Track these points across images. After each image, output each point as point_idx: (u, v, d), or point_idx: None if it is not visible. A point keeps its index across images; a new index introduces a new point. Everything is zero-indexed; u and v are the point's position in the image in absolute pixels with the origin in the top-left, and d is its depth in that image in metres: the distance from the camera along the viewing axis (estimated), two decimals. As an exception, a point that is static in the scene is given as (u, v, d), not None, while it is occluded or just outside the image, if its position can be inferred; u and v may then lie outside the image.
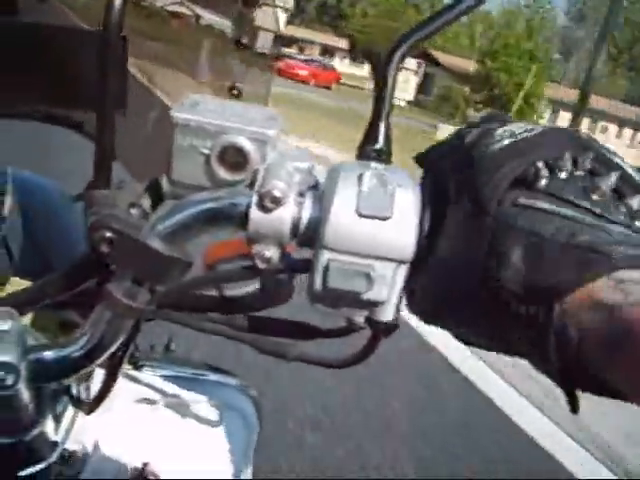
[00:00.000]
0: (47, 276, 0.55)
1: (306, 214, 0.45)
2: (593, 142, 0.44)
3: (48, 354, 0.52)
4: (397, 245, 0.43)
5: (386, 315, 0.46)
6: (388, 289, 0.45)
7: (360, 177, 0.44)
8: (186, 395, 0.80)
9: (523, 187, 0.41)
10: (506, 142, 0.44)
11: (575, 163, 0.42)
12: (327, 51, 53.11)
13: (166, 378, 0.80)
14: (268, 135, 0.49)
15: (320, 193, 0.46)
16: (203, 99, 0.52)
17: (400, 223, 0.43)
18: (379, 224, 0.43)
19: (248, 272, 0.48)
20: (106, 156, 0.50)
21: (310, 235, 0.45)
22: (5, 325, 0.51)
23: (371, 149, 0.50)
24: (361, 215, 0.43)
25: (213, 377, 0.85)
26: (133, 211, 0.52)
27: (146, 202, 0.53)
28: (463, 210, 0.43)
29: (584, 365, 0.38)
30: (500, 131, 0.45)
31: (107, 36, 0.47)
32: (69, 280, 0.53)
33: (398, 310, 0.46)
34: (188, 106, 0.50)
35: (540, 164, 0.42)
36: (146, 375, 0.79)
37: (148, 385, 0.78)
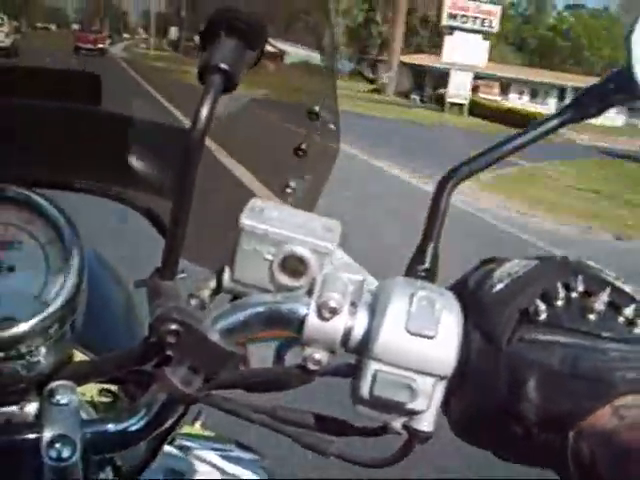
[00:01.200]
0: (107, 354, 0.59)
1: (358, 325, 0.50)
2: (582, 265, 0.51)
3: (104, 428, 0.55)
4: (439, 362, 0.48)
5: (423, 425, 0.50)
6: (427, 401, 0.49)
7: (411, 297, 0.48)
8: (208, 470, 0.83)
9: (527, 323, 0.48)
10: (505, 282, 0.50)
11: (568, 288, 0.49)
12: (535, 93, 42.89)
13: (192, 453, 0.83)
14: (328, 248, 0.53)
15: (372, 306, 0.50)
16: (267, 205, 0.56)
17: (443, 342, 0.48)
18: (424, 342, 0.47)
19: (298, 372, 0.52)
20: (175, 249, 0.54)
21: (360, 345, 0.49)
22: (65, 399, 0.55)
23: (420, 268, 0.55)
24: (409, 332, 0.47)
25: (236, 453, 0.89)
26: (192, 302, 0.56)
27: (204, 293, 0.57)
28: (479, 346, 0.49)
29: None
30: (498, 273, 0.52)
31: (194, 135, 0.49)
32: (128, 360, 0.57)
33: (434, 421, 0.50)
34: (254, 213, 0.55)
35: (538, 301, 0.48)
36: (173, 448, 0.82)
37: (175, 458, 0.81)
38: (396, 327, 0.48)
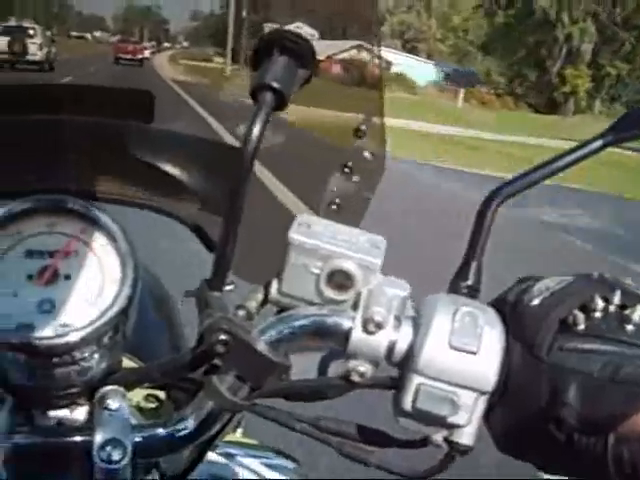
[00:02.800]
0: (156, 361, 0.61)
1: (402, 340, 0.51)
2: (619, 281, 0.52)
3: (153, 433, 0.57)
4: (481, 377, 0.49)
5: (464, 438, 0.51)
6: (469, 415, 0.50)
7: (454, 313, 0.50)
8: (249, 477, 0.85)
9: (567, 332, 0.49)
10: (546, 295, 0.51)
11: (606, 301, 0.50)
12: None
13: (233, 459, 0.85)
14: (374, 263, 0.55)
15: (415, 321, 0.52)
16: (314, 220, 0.58)
17: (485, 358, 0.49)
18: (467, 357, 0.49)
19: (342, 384, 0.53)
20: (225, 261, 0.56)
21: (403, 358, 0.51)
22: (116, 404, 0.57)
23: (463, 285, 0.56)
24: (452, 347, 0.49)
25: (277, 461, 0.90)
26: (240, 313, 0.58)
27: (252, 304, 0.59)
28: (520, 357, 0.50)
29: None
30: (537, 287, 0.53)
31: (246, 153, 0.51)
32: (176, 368, 0.58)
33: (475, 434, 0.51)
34: (302, 228, 0.56)
35: (576, 311, 0.49)
36: (215, 455, 0.84)
37: (217, 464, 0.83)
38: (439, 342, 0.49)
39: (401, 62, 44.28)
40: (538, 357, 0.49)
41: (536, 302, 0.52)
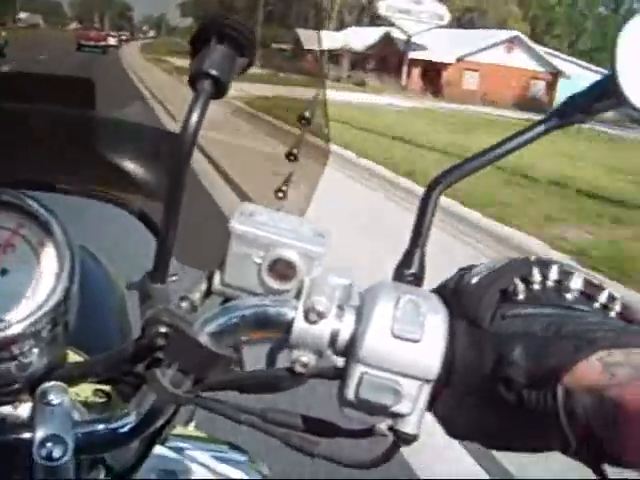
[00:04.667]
0: (99, 355, 0.60)
1: (345, 329, 0.50)
2: (554, 260, 0.52)
3: (95, 428, 0.56)
4: (424, 365, 0.48)
5: (408, 427, 0.50)
6: (413, 404, 0.49)
7: (397, 300, 0.49)
8: (200, 470, 0.84)
9: (508, 302, 0.49)
10: (484, 274, 0.52)
11: (544, 275, 0.50)
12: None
13: (185, 453, 0.84)
14: (316, 252, 0.54)
15: (358, 309, 0.51)
16: (256, 209, 0.57)
17: (428, 346, 0.48)
18: (410, 345, 0.48)
19: (287, 375, 0.53)
20: (166, 253, 0.55)
21: (346, 348, 0.50)
22: (57, 399, 0.56)
23: (407, 273, 0.56)
24: (395, 336, 0.48)
25: (228, 454, 0.90)
26: (183, 304, 0.57)
27: (195, 296, 0.58)
28: (464, 332, 0.50)
29: (598, 441, 0.44)
30: (476, 269, 0.53)
31: (184, 140, 0.50)
32: (119, 362, 0.58)
33: (420, 423, 0.51)
34: (244, 216, 0.56)
35: (517, 280, 0.50)
36: (166, 449, 0.83)
37: (167, 459, 0.82)
38: (381, 331, 0.48)
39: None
40: (481, 327, 0.49)
41: (475, 280, 0.52)
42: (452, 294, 0.52)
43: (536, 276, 0.50)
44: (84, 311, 0.60)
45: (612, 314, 0.49)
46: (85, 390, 0.68)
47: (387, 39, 43.66)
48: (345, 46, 43.61)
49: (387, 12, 40.70)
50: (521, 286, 0.50)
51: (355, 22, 52.90)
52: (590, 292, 0.50)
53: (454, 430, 0.53)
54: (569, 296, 0.50)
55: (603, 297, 0.50)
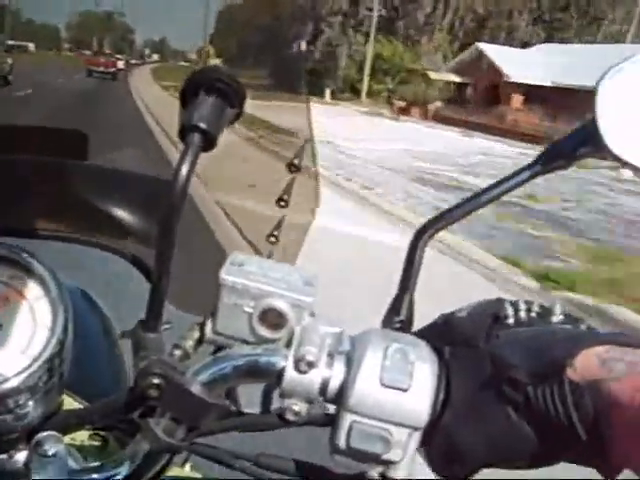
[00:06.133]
0: (94, 404, 0.61)
1: (335, 377, 0.51)
2: (535, 301, 0.55)
3: (90, 477, 0.57)
4: (413, 414, 0.49)
5: (398, 473, 0.51)
6: (403, 451, 0.50)
7: (385, 349, 0.50)
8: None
9: (499, 324, 0.52)
10: (469, 310, 0.54)
11: (528, 310, 0.53)
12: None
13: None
14: (306, 302, 0.55)
15: (348, 358, 0.52)
16: (248, 259, 0.58)
17: (416, 394, 0.49)
18: (399, 394, 0.49)
19: (277, 422, 0.53)
20: (159, 302, 0.55)
21: (337, 396, 0.51)
22: (52, 449, 0.57)
23: (396, 319, 0.57)
24: (384, 385, 0.49)
25: None
26: (176, 352, 0.58)
27: (188, 343, 0.59)
28: (460, 354, 0.51)
29: (609, 438, 0.45)
30: (459, 310, 0.55)
31: (175, 193, 0.51)
32: (113, 410, 0.58)
33: (410, 467, 0.52)
34: (234, 267, 0.56)
35: (507, 305, 0.53)
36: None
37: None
38: (370, 380, 0.49)
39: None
40: (478, 347, 0.50)
41: (464, 313, 0.54)
42: (441, 330, 0.53)
43: (522, 307, 0.53)
44: (80, 357, 0.61)
45: None
46: (81, 434, 0.69)
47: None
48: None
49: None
50: (511, 311, 0.52)
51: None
52: (571, 324, 0.52)
53: (442, 469, 0.52)
54: (555, 319, 0.52)
55: (586, 324, 0.52)
